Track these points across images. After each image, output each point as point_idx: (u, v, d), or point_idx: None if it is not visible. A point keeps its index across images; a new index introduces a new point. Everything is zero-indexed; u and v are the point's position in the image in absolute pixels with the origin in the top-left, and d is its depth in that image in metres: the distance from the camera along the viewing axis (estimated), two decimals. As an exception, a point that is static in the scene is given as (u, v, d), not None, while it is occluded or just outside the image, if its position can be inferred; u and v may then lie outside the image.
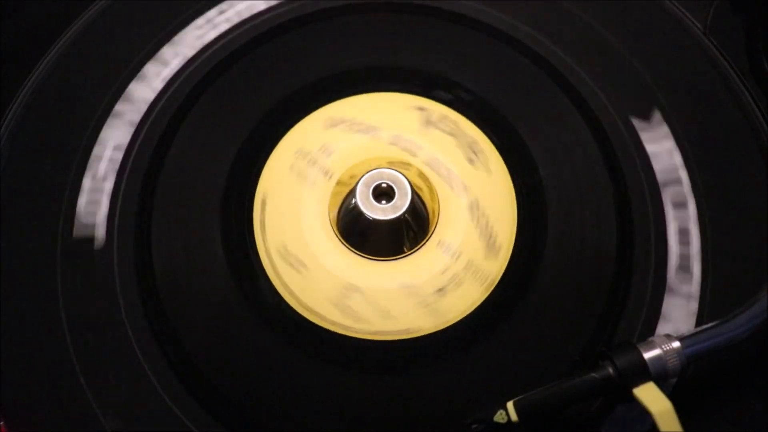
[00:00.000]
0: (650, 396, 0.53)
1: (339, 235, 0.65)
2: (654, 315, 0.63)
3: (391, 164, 0.66)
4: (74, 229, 0.65)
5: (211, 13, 0.72)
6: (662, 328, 0.62)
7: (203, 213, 0.65)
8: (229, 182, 0.66)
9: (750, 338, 0.56)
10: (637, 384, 0.53)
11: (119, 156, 0.67)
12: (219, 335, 0.62)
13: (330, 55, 0.71)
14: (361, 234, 0.65)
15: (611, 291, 0.63)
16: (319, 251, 0.65)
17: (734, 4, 0.72)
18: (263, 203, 0.66)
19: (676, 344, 0.55)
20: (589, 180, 0.67)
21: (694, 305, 0.63)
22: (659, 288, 0.64)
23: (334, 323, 0.62)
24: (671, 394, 0.53)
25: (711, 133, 0.68)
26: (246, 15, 0.72)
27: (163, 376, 0.61)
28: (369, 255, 0.64)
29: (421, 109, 0.69)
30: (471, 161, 0.66)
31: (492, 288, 0.63)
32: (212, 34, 0.71)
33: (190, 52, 0.71)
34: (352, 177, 0.66)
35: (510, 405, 0.53)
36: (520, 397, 0.54)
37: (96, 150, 0.67)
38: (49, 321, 0.62)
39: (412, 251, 0.65)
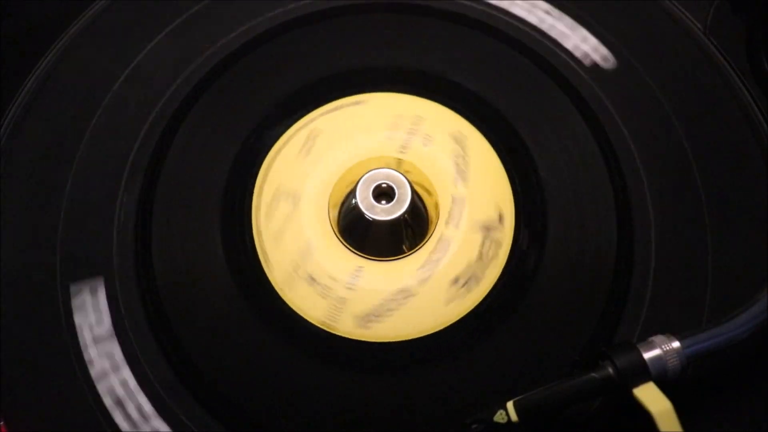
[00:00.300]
0: (650, 396, 0.53)
1: (339, 235, 0.65)
2: (654, 315, 0.63)
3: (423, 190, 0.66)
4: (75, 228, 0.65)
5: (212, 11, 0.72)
6: (662, 329, 0.62)
7: (203, 213, 0.65)
8: (229, 182, 0.66)
9: (750, 338, 0.56)
10: (637, 384, 0.53)
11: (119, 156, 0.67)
12: (219, 335, 0.62)
13: (330, 56, 0.71)
14: (361, 234, 0.65)
15: (611, 291, 0.63)
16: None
17: (734, 4, 0.72)
18: (358, 102, 0.68)
19: (676, 344, 0.55)
20: (588, 180, 0.67)
21: (694, 306, 0.63)
22: (659, 288, 0.64)
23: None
24: (670, 394, 0.53)
25: (711, 133, 0.68)
26: (246, 14, 0.72)
27: (163, 376, 0.61)
28: (369, 255, 0.64)
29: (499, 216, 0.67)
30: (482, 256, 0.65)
31: None
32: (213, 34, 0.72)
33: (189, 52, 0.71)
34: (402, 168, 0.66)
35: (510, 405, 0.53)
36: (520, 397, 0.54)
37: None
38: (48, 321, 0.62)
39: (410, 252, 0.65)
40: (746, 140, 0.68)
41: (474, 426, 0.53)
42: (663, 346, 0.55)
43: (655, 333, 0.56)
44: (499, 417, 0.53)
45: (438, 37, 0.71)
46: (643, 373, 0.54)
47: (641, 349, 0.54)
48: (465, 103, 0.69)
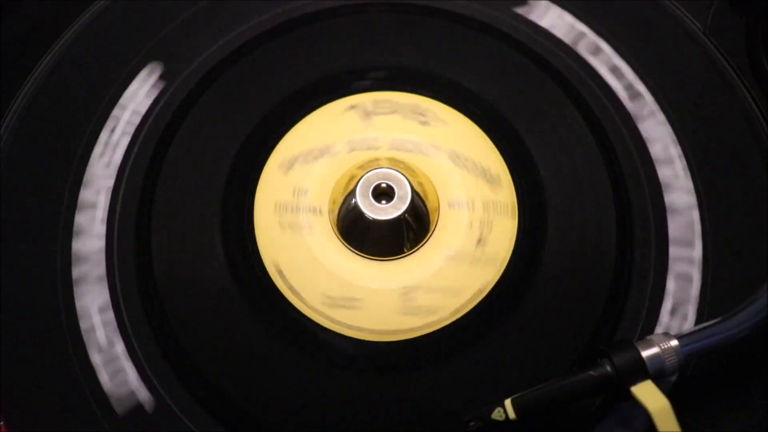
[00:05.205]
0: (648, 394, 0.53)
1: (339, 235, 0.65)
2: (653, 315, 0.63)
3: (361, 168, 0.66)
4: (74, 229, 0.65)
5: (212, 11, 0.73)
6: (661, 328, 0.62)
7: (203, 213, 0.65)
8: (229, 182, 0.66)
9: (749, 337, 0.56)
10: (635, 382, 0.53)
11: (119, 156, 0.67)
12: (219, 335, 0.62)
13: (330, 56, 0.71)
14: (362, 234, 0.65)
15: (611, 291, 0.63)
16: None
17: (734, 4, 0.72)
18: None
19: (674, 343, 0.55)
20: (589, 180, 0.66)
21: (694, 304, 0.63)
22: (659, 288, 0.63)
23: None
24: (670, 392, 0.53)
25: (711, 133, 0.68)
26: (245, 14, 0.72)
27: (163, 377, 0.61)
28: (369, 255, 0.64)
29: (353, 107, 0.69)
30: (424, 123, 0.67)
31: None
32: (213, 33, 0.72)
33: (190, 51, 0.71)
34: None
35: (508, 402, 0.53)
36: (518, 394, 0.54)
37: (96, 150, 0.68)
38: (49, 321, 0.62)
39: (410, 252, 0.65)
40: (746, 140, 0.68)
41: (472, 423, 0.53)
42: (661, 345, 0.54)
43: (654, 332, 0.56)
44: (497, 415, 0.53)
45: (438, 37, 0.71)
46: (641, 371, 0.54)
47: (639, 348, 0.54)
48: (465, 103, 0.69)
